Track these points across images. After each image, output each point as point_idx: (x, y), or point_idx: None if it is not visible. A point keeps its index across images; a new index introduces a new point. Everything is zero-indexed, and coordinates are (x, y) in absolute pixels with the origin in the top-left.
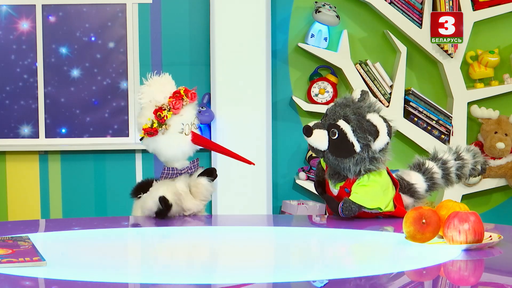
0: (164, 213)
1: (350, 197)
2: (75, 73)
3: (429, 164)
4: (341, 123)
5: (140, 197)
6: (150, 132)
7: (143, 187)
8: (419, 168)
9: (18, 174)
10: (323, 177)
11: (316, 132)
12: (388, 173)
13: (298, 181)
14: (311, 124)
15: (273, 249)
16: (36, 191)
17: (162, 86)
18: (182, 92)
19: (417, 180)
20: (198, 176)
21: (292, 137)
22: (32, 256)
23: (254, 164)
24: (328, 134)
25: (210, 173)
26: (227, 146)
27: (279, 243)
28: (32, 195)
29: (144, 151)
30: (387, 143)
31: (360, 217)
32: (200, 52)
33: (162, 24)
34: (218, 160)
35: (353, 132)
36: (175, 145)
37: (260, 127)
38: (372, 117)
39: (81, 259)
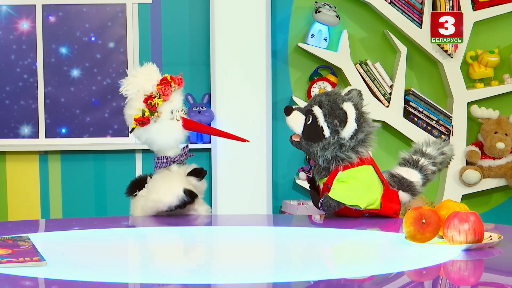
0: (186, 205)
1: (329, 193)
2: (75, 73)
3: (423, 161)
4: (315, 109)
5: (136, 195)
6: (142, 121)
7: (138, 184)
8: (416, 165)
9: (18, 174)
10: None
11: (294, 113)
12: (376, 171)
13: (298, 181)
14: (294, 106)
15: (273, 249)
16: (36, 191)
17: (148, 76)
18: (169, 78)
19: (417, 178)
20: (187, 175)
21: None
22: (32, 256)
23: (248, 141)
24: (305, 120)
25: (198, 174)
26: (227, 145)
27: (279, 243)
28: (32, 195)
29: (144, 151)
30: (356, 132)
31: (345, 215)
32: (200, 52)
33: (162, 24)
34: (218, 160)
35: (323, 117)
36: (167, 132)
37: (260, 127)
38: (345, 105)
39: (81, 259)
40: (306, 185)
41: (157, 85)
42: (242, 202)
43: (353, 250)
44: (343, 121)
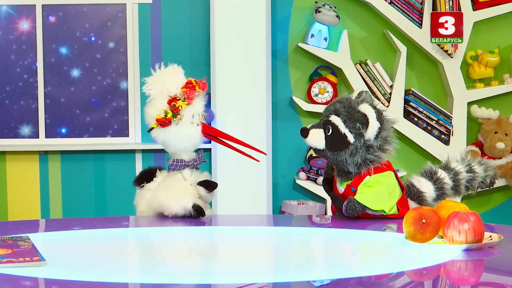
0: (193, 218)
1: (355, 197)
2: (75, 73)
3: (441, 173)
4: (332, 118)
5: (143, 186)
6: (164, 122)
7: (146, 175)
8: (431, 176)
9: (18, 174)
10: (332, 175)
11: (312, 132)
12: (396, 176)
13: (298, 181)
14: (309, 126)
15: (273, 249)
16: (36, 191)
17: (174, 77)
18: (194, 82)
19: (427, 189)
20: (198, 184)
21: (292, 137)
22: (32, 256)
23: (266, 154)
24: (324, 132)
25: (209, 186)
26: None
27: (279, 243)
28: (32, 195)
29: (144, 151)
30: (379, 130)
31: (363, 217)
32: (200, 52)
33: (162, 24)
34: (218, 160)
35: (344, 123)
36: (186, 136)
37: (260, 127)
38: (362, 107)
39: (81, 259)
40: (306, 185)
41: (182, 87)
42: (242, 202)
43: (353, 250)
44: (365, 123)
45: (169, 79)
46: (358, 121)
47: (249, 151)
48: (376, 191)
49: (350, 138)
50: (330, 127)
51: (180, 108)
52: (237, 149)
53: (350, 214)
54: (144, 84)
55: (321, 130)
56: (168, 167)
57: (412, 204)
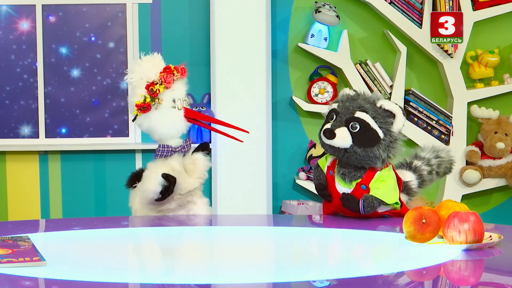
0: (170, 190)
1: (371, 193)
2: (75, 73)
3: (416, 163)
4: (360, 114)
5: (135, 186)
6: (143, 107)
7: (137, 176)
8: (409, 166)
9: (18, 174)
10: (325, 179)
11: (338, 131)
12: (394, 170)
13: (298, 181)
14: (327, 126)
15: (273, 249)
16: (36, 191)
17: (152, 64)
18: (172, 67)
19: (410, 178)
20: (194, 151)
21: (292, 137)
22: (32, 256)
23: (248, 132)
24: (348, 129)
25: (205, 147)
26: (227, 146)
27: (279, 243)
28: (32, 195)
29: (144, 151)
30: (403, 125)
31: (368, 217)
32: (200, 52)
33: (162, 24)
34: (218, 160)
35: (373, 119)
36: (169, 120)
37: (260, 127)
38: (383, 103)
39: (81, 259)
40: (306, 185)
41: (160, 72)
42: (242, 202)
43: (353, 250)
44: (392, 117)
45: (148, 66)
46: (386, 116)
47: (237, 134)
48: (388, 185)
49: (381, 134)
50: (357, 124)
51: (157, 92)
52: (221, 132)
53: (368, 212)
54: (120, 84)
55: (345, 128)
56: (155, 154)
57: (404, 198)
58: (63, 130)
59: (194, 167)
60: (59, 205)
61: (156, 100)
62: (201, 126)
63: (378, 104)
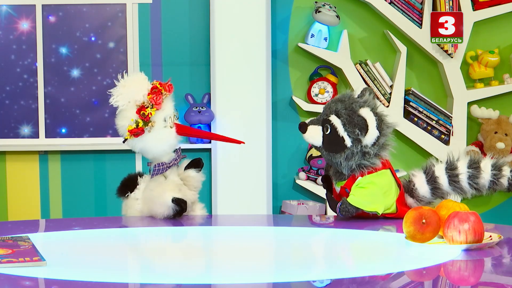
0: (181, 213)
1: (347, 199)
2: (75, 73)
3: (438, 167)
4: (332, 118)
5: (128, 195)
6: (137, 132)
7: (128, 184)
8: (426, 169)
9: (18, 174)
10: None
11: (310, 128)
12: (393, 174)
13: (298, 181)
14: (307, 120)
15: (273, 249)
16: (36, 191)
17: (138, 85)
18: (158, 86)
19: (419, 181)
20: (185, 169)
21: (292, 137)
22: (32, 256)
23: (244, 143)
24: (322, 130)
25: (197, 164)
26: (227, 146)
27: (279, 243)
28: (32, 195)
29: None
30: (378, 138)
31: (361, 217)
32: (200, 52)
33: (162, 24)
34: (218, 160)
35: (343, 126)
36: (162, 140)
37: (260, 127)
38: (363, 112)
39: (81, 259)
40: (306, 185)
41: (148, 94)
42: (242, 202)
43: (353, 250)
44: (364, 128)
45: (134, 88)
46: (358, 126)
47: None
48: (368, 192)
49: (348, 142)
50: (328, 126)
51: (150, 115)
52: (217, 137)
53: (344, 215)
54: (111, 97)
55: (319, 128)
56: (151, 173)
57: (407, 197)
58: (63, 130)
59: (188, 183)
60: (59, 205)
61: (149, 123)
62: (194, 137)
63: (359, 112)
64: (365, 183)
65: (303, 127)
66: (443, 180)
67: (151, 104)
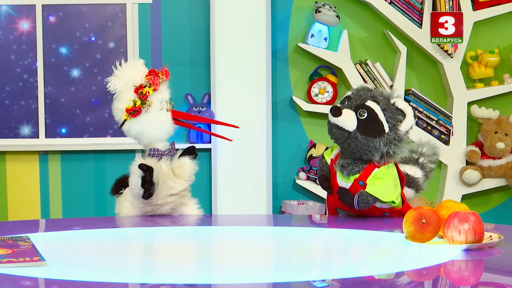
0: (149, 181)
1: (366, 190)
2: (75, 73)
3: (423, 159)
4: (370, 103)
5: (121, 193)
6: (134, 111)
7: (123, 183)
8: (417, 162)
9: (18, 174)
10: (328, 171)
11: (345, 111)
12: (397, 167)
13: (298, 181)
14: (340, 105)
15: (273, 249)
16: (36, 191)
17: (136, 69)
18: (156, 70)
19: (419, 175)
20: (180, 156)
21: (292, 137)
22: (32, 256)
23: (238, 128)
24: (356, 115)
25: (191, 151)
26: (227, 145)
27: (279, 243)
28: (32, 195)
29: (144, 151)
30: (411, 127)
31: (366, 215)
32: (200, 52)
33: (162, 24)
34: (218, 160)
35: (382, 111)
36: (159, 122)
37: (260, 127)
38: (397, 101)
39: (81, 259)
40: (306, 185)
41: (146, 75)
42: (242, 202)
43: (353, 250)
44: (402, 116)
45: (132, 71)
46: (397, 114)
47: (226, 133)
48: (385, 183)
49: (386, 127)
50: (366, 111)
51: (147, 94)
52: (210, 132)
53: (362, 208)
54: (108, 83)
55: (353, 113)
56: (147, 154)
57: (408, 191)
58: (63, 130)
59: (182, 170)
60: (59, 205)
61: (146, 102)
62: (188, 127)
63: (392, 101)
64: (382, 174)
65: (337, 110)
66: (427, 166)
67: (149, 83)
